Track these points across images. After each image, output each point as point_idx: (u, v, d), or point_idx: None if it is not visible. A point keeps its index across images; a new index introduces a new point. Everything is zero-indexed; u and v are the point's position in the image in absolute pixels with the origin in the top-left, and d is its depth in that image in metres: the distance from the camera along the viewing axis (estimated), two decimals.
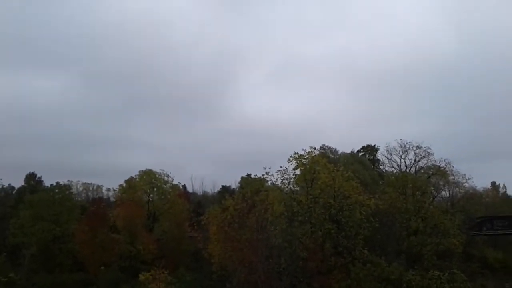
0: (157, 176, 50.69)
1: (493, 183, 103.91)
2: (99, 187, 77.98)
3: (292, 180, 37.21)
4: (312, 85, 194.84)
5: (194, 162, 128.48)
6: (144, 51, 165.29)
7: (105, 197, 73.40)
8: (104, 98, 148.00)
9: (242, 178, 64.31)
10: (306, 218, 33.86)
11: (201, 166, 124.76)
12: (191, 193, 75.34)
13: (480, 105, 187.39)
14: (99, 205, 47.32)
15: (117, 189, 53.73)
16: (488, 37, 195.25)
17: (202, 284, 32.95)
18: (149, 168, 51.68)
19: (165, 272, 30.56)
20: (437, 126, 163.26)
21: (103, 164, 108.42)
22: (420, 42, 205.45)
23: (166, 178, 51.07)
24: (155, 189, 50.86)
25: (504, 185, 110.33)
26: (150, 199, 50.55)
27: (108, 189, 75.01)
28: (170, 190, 51.43)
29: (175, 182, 55.18)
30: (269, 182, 40.31)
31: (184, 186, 68.81)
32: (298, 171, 36.55)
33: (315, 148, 38.05)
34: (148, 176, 50.38)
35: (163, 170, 51.42)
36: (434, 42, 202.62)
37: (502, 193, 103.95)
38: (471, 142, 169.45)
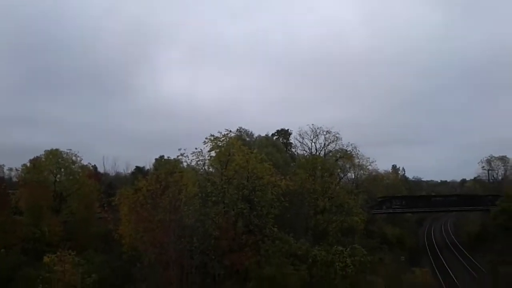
0: (64, 156, 48.24)
1: (394, 166, 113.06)
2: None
3: (207, 161, 37.55)
4: (230, 66, 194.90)
5: (106, 142, 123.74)
6: (43, 22, 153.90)
7: (6, 177, 68.40)
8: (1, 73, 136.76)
9: (156, 159, 63.51)
10: (220, 199, 34.43)
11: (114, 147, 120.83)
12: (102, 174, 72.78)
13: (385, 96, 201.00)
14: None
15: (20, 169, 50.49)
16: (399, 30, 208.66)
17: (111, 265, 32.31)
18: (56, 147, 49.07)
19: (72, 253, 29.53)
20: (346, 113, 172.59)
21: (3, 144, 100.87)
22: (335, 34, 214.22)
23: (74, 158, 48.79)
24: (62, 169, 48.41)
25: (403, 168, 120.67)
26: (57, 180, 48.06)
27: (10, 169, 69.92)
28: (79, 170, 49.29)
29: (85, 162, 52.99)
30: (184, 164, 40.30)
31: (94, 167, 66.17)
32: (213, 153, 36.84)
33: (230, 131, 38.58)
34: (55, 156, 47.75)
35: (71, 149, 49.12)
36: (347, 34, 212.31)
37: (401, 175, 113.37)
38: (376, 129, 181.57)
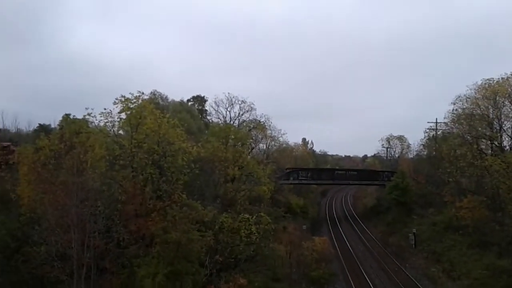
0: None
1: (304, 139, 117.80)
2: None
3: (116, 123, 36.08)
4: (142, 22, 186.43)
5: (6, 96, 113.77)
6: None
7: None
8: None
9: (62, 117, 59.85)
10: (128, 163, 33.52)
11: (16, 101, 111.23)
12: (1, 130, 67.30)
13: (299, 70, 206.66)
14: None
15: None
16: (315, 6, 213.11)
17: (7, 227, 30.40)
18: None
19: None
20: (262, 84, 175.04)
21: None
22: (257, 2, 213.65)
23: None
24: None
25: (312, 141, 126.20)
26: None
27: None
28: None
29: None
30: (92, 124, 38.50)
31: None
32: (123, 115, 35.49)
33: (143, 93, 37.26)
34: None
35: None
36: (266, 3, 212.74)
37: (309, 149, 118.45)
38: (289, 102, 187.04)
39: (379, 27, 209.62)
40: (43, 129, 62.89)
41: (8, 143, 48.19)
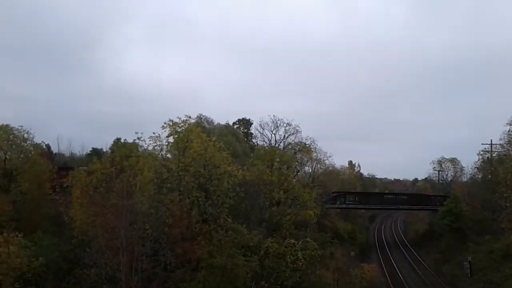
0: (15, 132, 46.28)
1: (350, 162, 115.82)
2: None
3: (164, 147, 37.07)
4: (192, 48, 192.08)
5: (61, 121, 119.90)
6: None
7: None
8: None
9: (113, 141, 62.09)
10: (175, 186, 34.16)
11: (70, 126, 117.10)
12: (56, 154, 70.60)
13: (345, 91, 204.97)
14: None
15: None
16: (365, 25, 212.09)
17: (60, 249, 31.48)
18: (7, 123, 46.98)
19: (19, 235, 28.55)
20: (307, 105, 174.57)
21: None
22: (301, 23, 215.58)
23: (26, 135, 46.87)
24: (13, 146, 46.47)
25: (359, 164, 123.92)
26: (7, 157, 46.13)
27: None
28: (31, 148, 47.48)
29: (38, 141, 51.14)
30: (141, 148, 39.68)
31: (48, 146, 64.04)
32: (171, 139, 36.41)
33: (190, 117, 38.23)
34: (5, 132, 45.67)
35: (22, 126, 47.15)
36: (312, 24, 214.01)
37: (356, 171, 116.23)
38: (335, 123, 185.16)
39: (430, 48, 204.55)
40: (96, 153, 65.49)
41: (68, 167, 50.43)
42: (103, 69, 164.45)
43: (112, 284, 26.12)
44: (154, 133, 35.65)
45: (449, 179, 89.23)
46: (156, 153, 37.00)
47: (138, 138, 36.40)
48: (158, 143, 35.98)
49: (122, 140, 43.63)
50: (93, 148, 71.98)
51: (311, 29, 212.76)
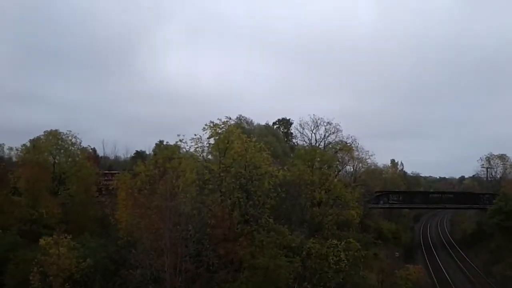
0: (63, 137, 48.10)
1: (393, 161, 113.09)
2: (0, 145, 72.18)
3: (205, 148, 37.48)
4: (231, 47, 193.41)
5: (106, 124, 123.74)
6: None
7: (6, 156, 68.25)
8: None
9: (156, 144, 63.50)
10: (217, 187, 34.43)
11: (114, 129, 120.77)
12: (102, 157, 72.90)
13: (387, 86, 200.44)
14: None
15: (20, 149, 50.33)
16: (410, 20, 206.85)
17: (107, 250, 32.43)
18: (56, 127, 48.90)
19: (68, 236, 29.62)
20: (348, 103, 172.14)
21: (4, 122, 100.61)
22: (339, 19, 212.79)
23: (73, 140, 48.64)
24: (62, 150, 48.33)
25: (401, 162, 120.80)
26: (56, 161, 48.02)
27: (10, 148, 69.65)
28: (79, 152, 49.22)
29: (85, 144, 52.90)
30: (183, 150, 40.30)
31: (94, 149, 66.18)
32: (212, 140, 36.76)
33: (230, 118, 38.51)
34: (54, 137, 47.58)
35: (70, 131, 48.96)
36: (351, 20, 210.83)
37: (399, 170, 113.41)
38: (377, 121, 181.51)
39: (475, 42, 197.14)
40: (139, 155, 67.13)
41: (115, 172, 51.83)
42: (144, 72, 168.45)
43: (157, 284, 26.62)
44: (195, 134, 36.12)
45: (498, 176, 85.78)
46: (198, 154, 37.47)
47: (180, 140, 37.00)
48: (199, 144, 36.41)
49: (164, 143, 44.54)
50: (136, 150, 73.85)
51: (352, 26, 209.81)
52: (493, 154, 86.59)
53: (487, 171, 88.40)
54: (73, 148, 48.86)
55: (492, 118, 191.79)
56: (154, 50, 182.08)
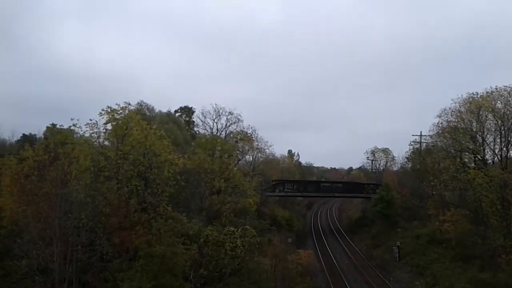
0: None
1: (290, 151, 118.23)
2: None
3: (102, 134, 35.88)
4: (132, 29, 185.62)
5: None
6: None
7: None
8: None
9: (47, 127, 59.27)
10: (113, 174, 33.31)
11: None
12: None
13: (289, 80, 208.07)
14: None
15: None
16: (311, 11, 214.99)
17: None
18: None
19: None
20: (249, 94, 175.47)
21: None
22: (244, 10, 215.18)
23: None
24: None
25: (298, 153, 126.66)
26: None
27: None
28: None
29: None
30: (77, 135, 38.25)
31: None
32: (109, 126, 35.30)
33: (129, 104, 37.20)
34: None
35: None
36: (257, 12, 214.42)
37: (295, 160, 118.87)
38: (277, 113, 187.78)
39: (367, 39, 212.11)
40: (28, 139, 62.09)
41: None
42: (34, 48, 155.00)
43: (44, 275, 25.27)
44: (91, 119, 34.36)
45: (381, 168, 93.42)
46: (93, 140, 35.77)
47: (74, 125, 34.93)
48: (95, 130, 34.68)
49: (57, 126, 41.89)
50: (23, 134, 68.19)
51: (254, 16, 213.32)
52: (378, 148, 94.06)
53: (372, 163, 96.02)
54: None
55: (379, 115, 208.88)
56: (41, 20, 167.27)
